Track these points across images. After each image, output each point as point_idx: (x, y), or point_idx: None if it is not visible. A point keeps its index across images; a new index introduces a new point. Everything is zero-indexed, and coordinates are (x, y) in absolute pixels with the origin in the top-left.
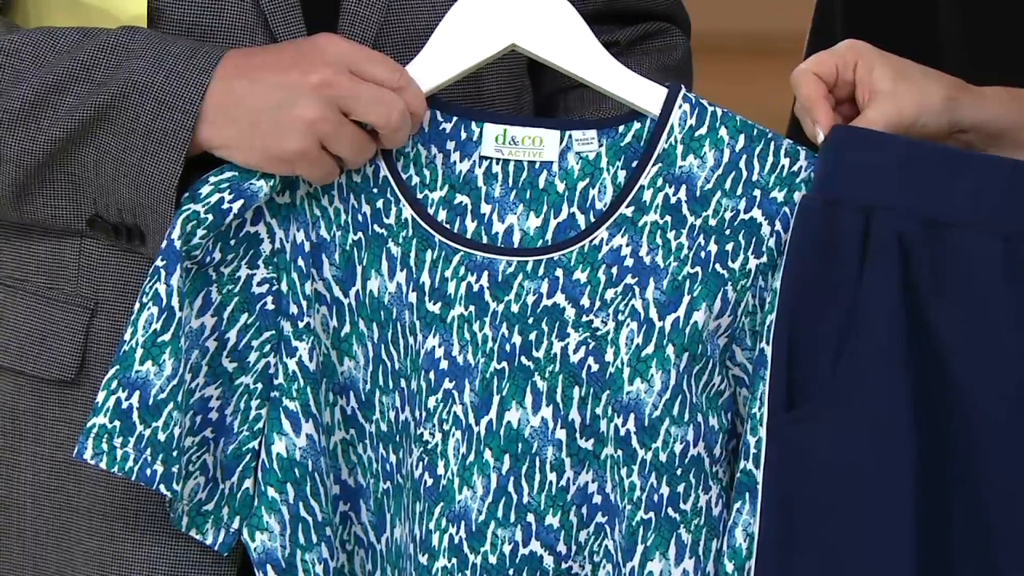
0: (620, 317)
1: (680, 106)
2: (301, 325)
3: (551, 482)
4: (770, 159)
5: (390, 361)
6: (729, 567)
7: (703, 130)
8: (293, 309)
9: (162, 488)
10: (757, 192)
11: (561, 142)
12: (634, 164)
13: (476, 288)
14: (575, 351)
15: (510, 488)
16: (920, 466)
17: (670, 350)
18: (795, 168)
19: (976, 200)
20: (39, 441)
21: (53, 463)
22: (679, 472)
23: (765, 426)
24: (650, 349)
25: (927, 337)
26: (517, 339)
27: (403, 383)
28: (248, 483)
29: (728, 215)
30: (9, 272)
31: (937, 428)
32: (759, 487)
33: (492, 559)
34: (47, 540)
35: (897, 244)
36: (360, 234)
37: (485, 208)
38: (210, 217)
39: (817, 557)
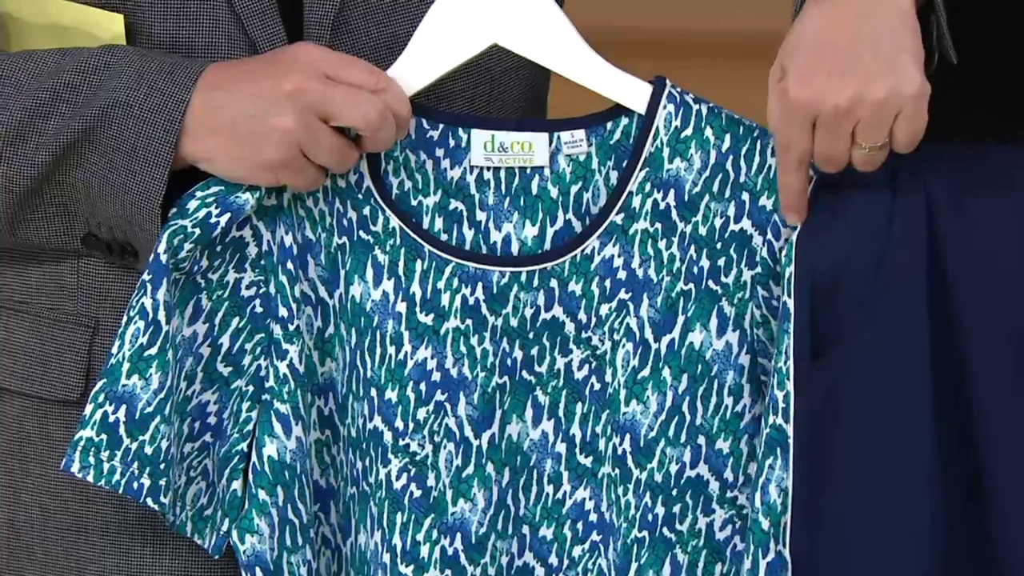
0: (616, 336)
1: (665, 106)
2: (291, 328)
3: (547, 494)
4: (756, 159)
5: (363, 368)
6: (765, 524)
7: (688, 131)
8: (283, 312)
9: (149, 501)
10: (746, 196)
11: (550, 144)
12: (625, 164)
13: (472, 301)
14: (579, 368)
15: (509, 500)
16: (938, 408)
17: (667, 372)
18: None
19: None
20: (46, 463)
21: (59, 484)
22: (675, 493)
23: (792, 379)
24: (646, 372)
25: (944, 281)
26: (519, 353)
27: (373, 392)
28: (236, 484)
29: (718, 222)
30: (9, 295)
31: (952, 374)
32: (790, 441)
33: (491, 571)
34: (57, 562)
35: (923, 192)
36: (345, 238)
37: (480, 215)
38: (197, 231)
39: (851, 505)
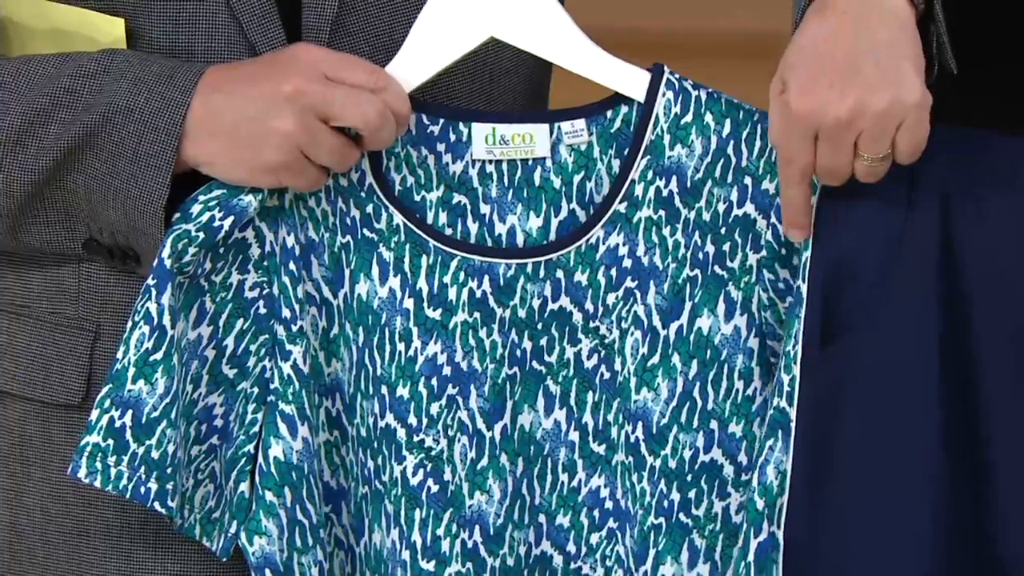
0: (624, 325)
1: (664, 93)
2: (295, 329)
3: (563, 483)
4: (758, 143)
5: (372, 366)
6: (759, 504)
7: (688, 117)
8: (286, 313)
9: (156, 505)
10: (748, 180)
11: (551, 135)
12: (626, 152)
13: (479, 294)
14: (588, 357)
15: (524, 490)
16: (946, 407)
17: (676, 358)
18: None
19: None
20: (47, 466)
21: (61, 488)
22: (689, 478)
23: (799, 363)
24: (656, 359)
25: (956, 279)
26: (528, 344)
27: (384, 389)
28: (244, 486)
29: (722, 207)
30: (11, 299)
31: (962, 373)
32: (792, 424)
33: (510, 561)
34: (58, 566)
35: (939, 187)
36: (348, 237)
37: (484, 208)
38: (201, 235)
39: (852, 500)
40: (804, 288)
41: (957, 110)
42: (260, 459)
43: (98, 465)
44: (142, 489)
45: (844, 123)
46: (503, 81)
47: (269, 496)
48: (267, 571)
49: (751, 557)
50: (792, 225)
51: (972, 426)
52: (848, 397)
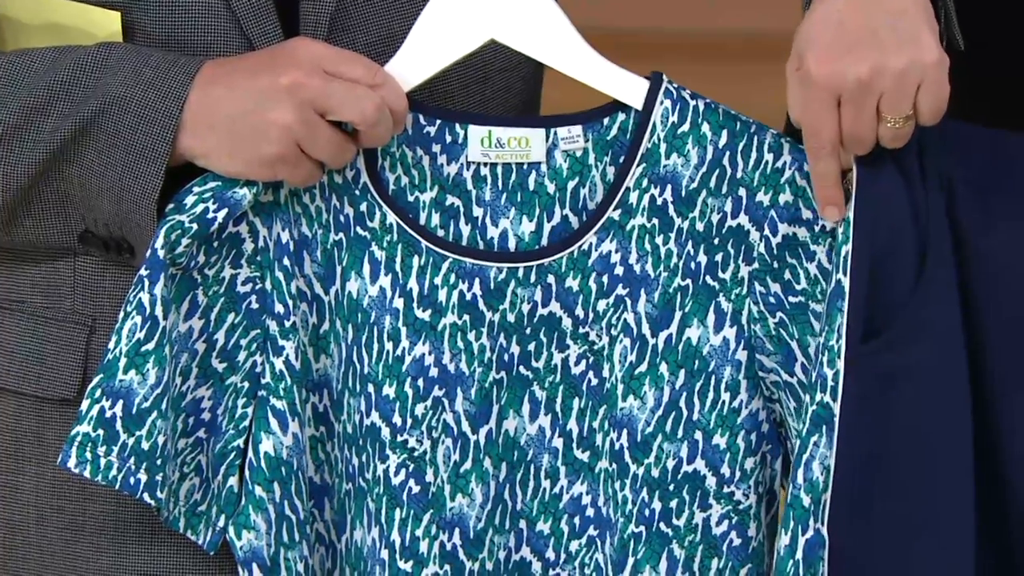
0: (613, 332)
1: (662, 102)
2: (287, 324)
3: (544, 489)
4: (753, 155)
5: (360, 364)
6: (806, 500)
7: (686, 127)
8: (279, 308)
9: (146, 497)
10: (742, 191)
11: (547, 140)
12: (621, 159)
13: (469, 296)
14: (576, 363)
15: (506, 495)
16: (971, 393)
17: (663, 367)
18: (779, 165)
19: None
20: (42, 461)
21: (56, 483)
22: (671, 488)
23: (843, 358)
24: (643, 367)
25: (966, 275)
26: (515, 349)
27: (371, 388)
28: (232, 480)
29: (715, 218)
30: (5, 294)
31: (973, 362)
32: (836, 420)
33: (489, 565)
34: (52, 561)
35: (946, 186)
36: (341, 234)
37: (477, 211)
38: (195, 227)
39: (893, 490)
40: (845, 280)
41: (967, 93)
42: (250, 454)
43: (88, 455)
44: (131, 480)
45: (865, 84)
46: (497, 79)
47: (258, 491)
48: (254, 565)
49: (800, 555)
50: (826, 202)
51: (985, 433)
52: (892, 392)
